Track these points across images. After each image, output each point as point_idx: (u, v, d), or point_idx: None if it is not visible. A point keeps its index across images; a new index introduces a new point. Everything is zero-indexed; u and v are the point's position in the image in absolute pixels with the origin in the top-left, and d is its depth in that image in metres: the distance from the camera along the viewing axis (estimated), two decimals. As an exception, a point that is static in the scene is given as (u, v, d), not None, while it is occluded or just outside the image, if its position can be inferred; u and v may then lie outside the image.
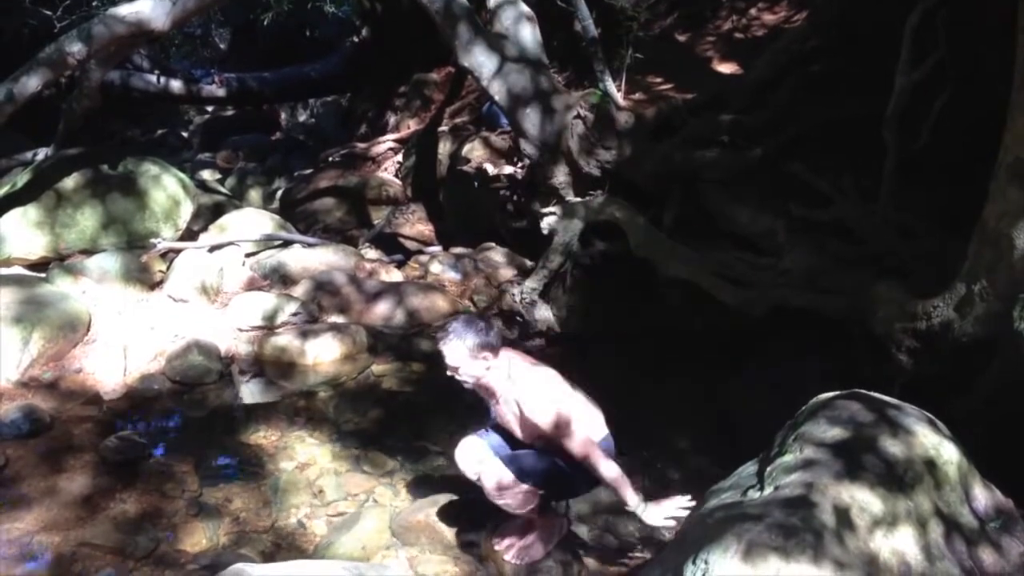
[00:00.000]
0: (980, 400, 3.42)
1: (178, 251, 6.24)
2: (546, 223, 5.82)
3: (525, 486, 3.23)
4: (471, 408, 4.87)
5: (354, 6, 12.18)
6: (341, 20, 12.95)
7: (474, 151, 7.80)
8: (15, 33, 9.04)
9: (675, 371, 4.95)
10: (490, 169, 7.03)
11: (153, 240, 6.26)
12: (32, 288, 5.39)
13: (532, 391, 3.18)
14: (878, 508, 2.48)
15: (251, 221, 6.87)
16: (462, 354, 3.14)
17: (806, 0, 6.88)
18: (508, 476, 3.21)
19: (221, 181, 10.21)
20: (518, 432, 3.27)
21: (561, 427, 3.11)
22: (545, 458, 3.22)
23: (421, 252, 7.36)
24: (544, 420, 3.12)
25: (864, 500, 2.49)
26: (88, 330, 5.30)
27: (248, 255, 6.49)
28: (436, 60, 9.95)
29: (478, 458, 3.31)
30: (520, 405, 3.17)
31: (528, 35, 5.98)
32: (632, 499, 3.14)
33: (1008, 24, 3.33)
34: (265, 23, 10.20)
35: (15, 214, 6.02)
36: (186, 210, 6.66)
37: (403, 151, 9.59)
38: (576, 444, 3.12)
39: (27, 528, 3.61)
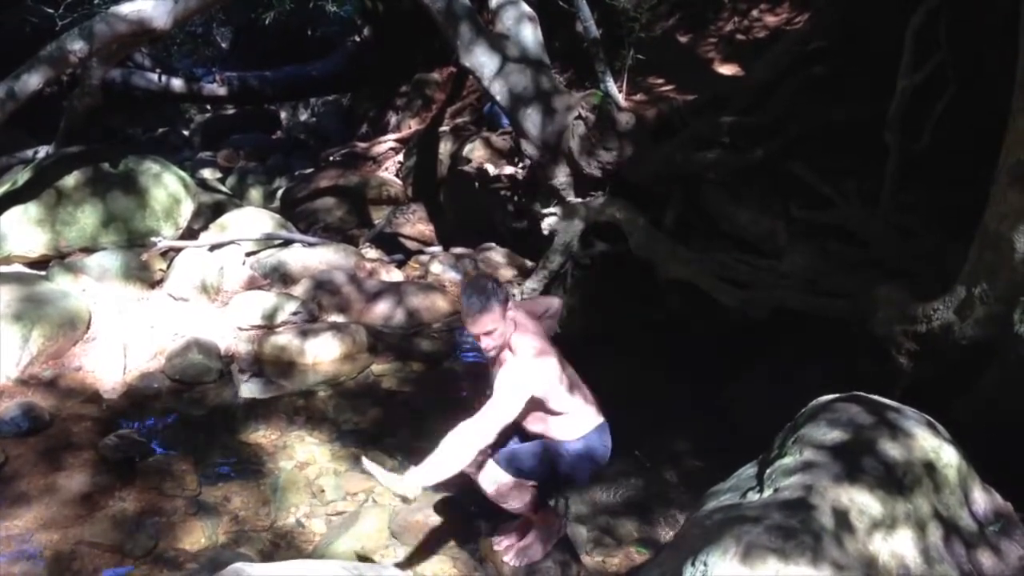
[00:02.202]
0: (980, 403, 3.42)
1: (178, 250, 6.25)
2: (547, 224, 5.82)
3: (522, 482, 3.23)
4: (470, 408, 4.89)
5: (356, 5, 12.19)
6: (343, 19, 12.96)
7: (475, 151, 7.81)
8: (16, 30, 9.04)
9: (675, 372, 4.95)
10: (491, 169, 7.04)
11: (153, 239, 6.26)
12: (32, 286, 5.39)
13: (511, 362, 3.11)
14: (877, 511, 2.48)
15: (251, 220, 6.88)
16: (498, 317, 3.05)
17: (808, 2, 6.87)
18: (505, 478, 3.20)
19: (222, 180, 10.21)
20: None
21: (493, 404, 3.05)
22: (540, 451, 3.21)
23: (421, 252, 7.37)
24: (497, 390, 3.07)
25: (863, 503, 2.49)
26: (88, 328, 5.30)
27: (248, 254, 6.49)
28: (437, 60, 9.97)
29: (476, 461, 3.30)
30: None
31: (529, 35, 5.98)
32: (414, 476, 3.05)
33: (1010, 26, 3.33)
34: (267, 22, 10.18)
35: (16, 212, 6.02)
36: (187, 209, 6.67)
37: (404, 151, 9.60)
38: (480, 422, 3.04)
39: (26, 526, 3.61)
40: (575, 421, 3.22)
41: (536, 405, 3.14)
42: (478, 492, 3.30)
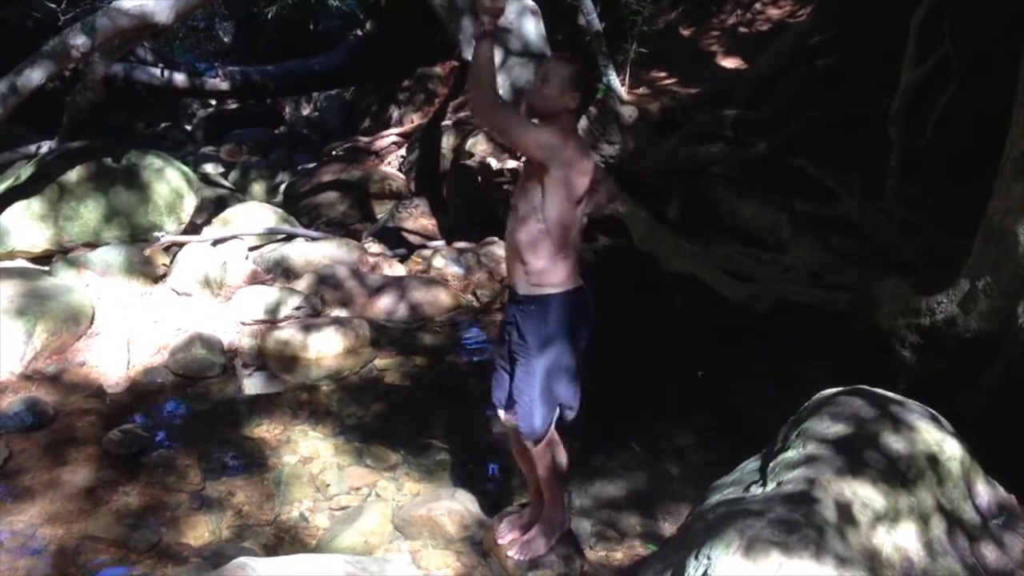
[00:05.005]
0: (984, 396, 3.42)
1: (181, 244, 6.25)
2: (549, 218, 5.80)
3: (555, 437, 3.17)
4: (473, 403, 4.90)
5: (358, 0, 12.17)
6: (345, 13, 12.93)
7: (477, 145, 7.78)
8: (18, 26, 9.04)
9: (678, 366, 4.95)
10: (493, 163, 7.02)
11: (156, 233, 6.26)
12: (35, 281, 5.40)
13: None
14: (880, 504, 2.48)
15: (254, 215, 6.88)
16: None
17: (811, -6, 6.85)
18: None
19: (224, 175, 10.20)
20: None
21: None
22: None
23: (424, 246, 7.36)
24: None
25: (866, 496, 2.48)
26: (91, 323, 5.30)
27: (251, 249, 6.49)
28: (440, 54, 9.95)
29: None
30: None
31: (532, 29, 5.96)
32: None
33: (1014, 19, 3.32)
34: (269, 16, 10.18)
35: (19, 207, 6.03)
36: (189, 203, 6.67)
37: (406, 145, 9.59)
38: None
39: (30, 520, 3.62)
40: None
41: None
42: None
